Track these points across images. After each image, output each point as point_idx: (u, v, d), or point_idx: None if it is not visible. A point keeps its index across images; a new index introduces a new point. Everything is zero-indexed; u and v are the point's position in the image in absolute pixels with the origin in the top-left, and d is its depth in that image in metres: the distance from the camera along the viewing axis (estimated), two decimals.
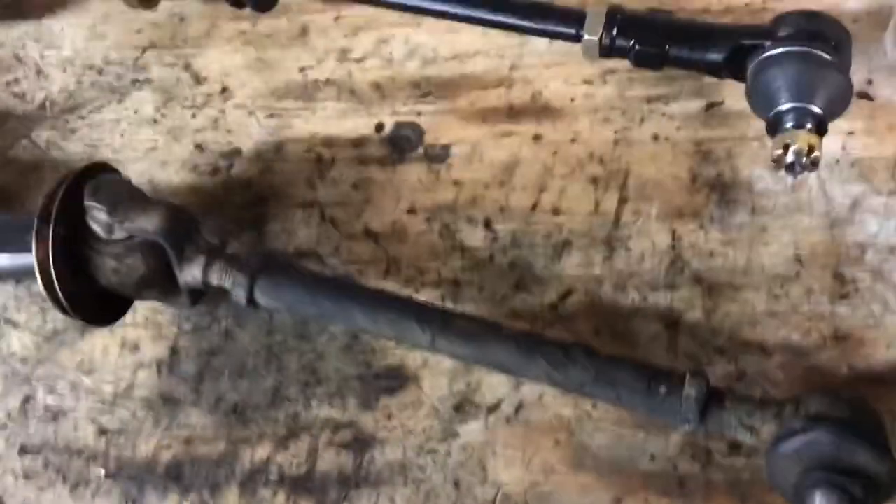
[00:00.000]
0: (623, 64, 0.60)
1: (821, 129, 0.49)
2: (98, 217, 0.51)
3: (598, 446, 0.52)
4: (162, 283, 0.54)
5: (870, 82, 0.58)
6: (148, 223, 0.51)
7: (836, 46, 0.50)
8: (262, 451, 0.56)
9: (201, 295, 0.56)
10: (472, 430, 0.54)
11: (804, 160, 0.48)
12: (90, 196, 0.51)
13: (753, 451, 0.50)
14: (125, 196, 0.52)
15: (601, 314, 0.55)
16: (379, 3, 0.61)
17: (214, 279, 0.53)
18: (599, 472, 0.52)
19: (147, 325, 0.60)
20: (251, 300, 0.52)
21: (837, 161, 0.56)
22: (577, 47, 0.59)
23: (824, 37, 0.50)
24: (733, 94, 0.59)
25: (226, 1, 0.63)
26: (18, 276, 0.57)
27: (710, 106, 0.60)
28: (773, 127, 0.50)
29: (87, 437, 0.58)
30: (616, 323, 0.55)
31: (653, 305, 0.55)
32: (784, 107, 0.49)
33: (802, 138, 0.48)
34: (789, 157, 0.49)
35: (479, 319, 0.51)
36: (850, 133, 0.57)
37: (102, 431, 0.58)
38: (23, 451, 0.59)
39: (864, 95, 0.58)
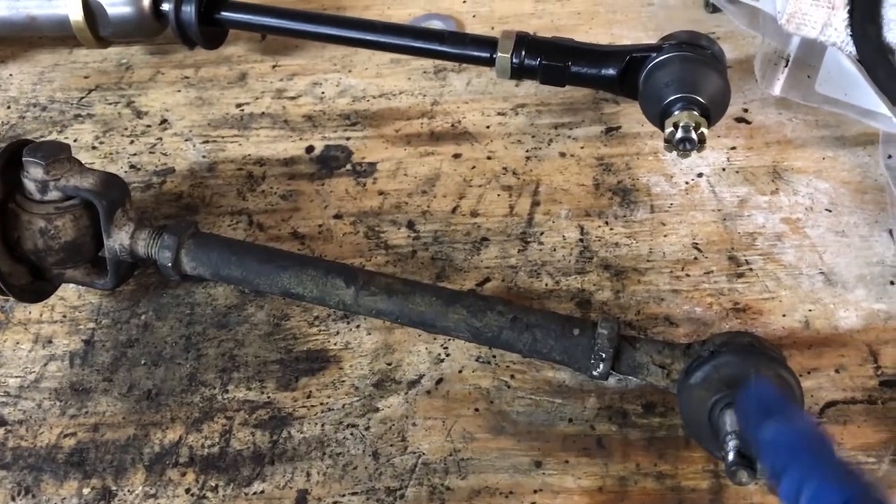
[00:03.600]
0: (532, 99, 0.68)
1: (706, 115, 0.55)
2: (34, 174, 0.52)
3: (518, 413, 0.52)
4: (87, 255, 0.55)
5: (746, 110, 0.67)
6: (83, 182, 0.53)
7: (714, 55, 0.59)
8: (172, 434, 0.53)
9: (125, 273, 0.56)
10: (392, 405, 0.53)
11: (692, 136, 0.54)
12: (29, 153, 0.53)
13: (668, 409, 0.51)
14: (64, 158, 0.53)
15: (518, 297, 0.58)
16: (311, 35, 0.67)
17: (140, 247, 0.54)
18: (519, 437, 0.51)
19: (64, 320, 0.59)
20: (177, 265, 0.53)
21: (724, 169, 0.63)
22: (490, 87, 0.67)
23: (703, 47, 0.59)
24: (629, 120, 0.67)
25: (178, 40, 0.68)
26: None
27: (609, 130, 0.66)
28: (664, 116, 0.56)
29: None
30: (532, 304, 0.57)
31: (565, 288, 0.58)
32: (672, 97, 0.56)
33: (689, 116, 0.54)
34: (679, 134, 0.54)
35: (402, 278, 0.53)
36: (733, 148, 0.64)
37: (2, 423, 0.55)
38: None
39: (742, 120, 0.66)
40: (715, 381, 0.46)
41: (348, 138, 0.68)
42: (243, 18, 0.68)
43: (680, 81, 0.57)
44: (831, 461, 0.37)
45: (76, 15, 0.68)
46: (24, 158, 0.53)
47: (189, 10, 0.66)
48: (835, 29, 0.56)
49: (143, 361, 0.57)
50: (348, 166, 0.66)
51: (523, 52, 0.62)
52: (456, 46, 0.64)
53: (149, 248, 0.54)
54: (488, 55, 0.63)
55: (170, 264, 0.53)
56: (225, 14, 0.68)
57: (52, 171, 0.53)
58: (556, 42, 0.62)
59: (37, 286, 0.57)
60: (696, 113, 0.55)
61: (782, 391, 0.44)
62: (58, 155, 0.53)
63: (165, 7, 0.68)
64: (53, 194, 0.53)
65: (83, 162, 0.56)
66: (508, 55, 0.62)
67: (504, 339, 0.51)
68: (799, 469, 0.37)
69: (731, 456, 0.43)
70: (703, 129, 0.55)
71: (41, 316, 0.59)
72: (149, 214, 0.62)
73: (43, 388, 0.56)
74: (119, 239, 0.54)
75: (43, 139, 0.56)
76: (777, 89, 0.66)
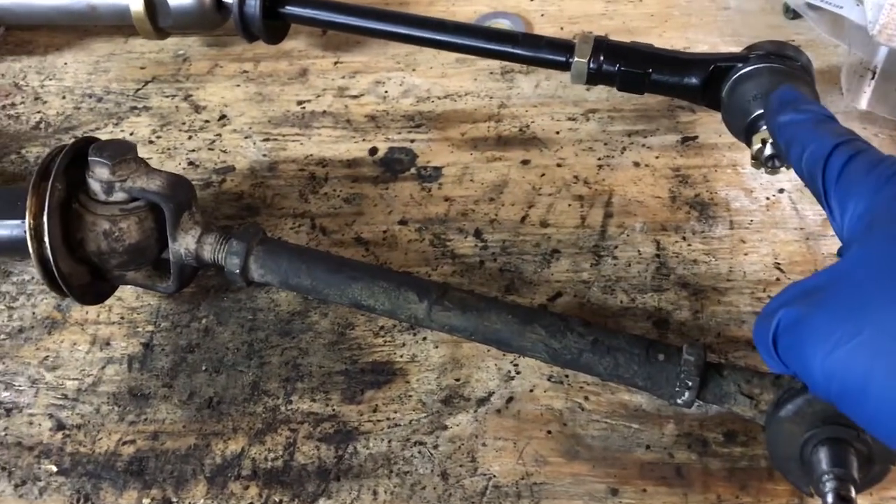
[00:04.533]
0: (604, 104, 0.65)
1: None
2: (99, 174, 0.51)
3: (592, 437, 0.50)
4: (151, 258, 0.53)
5: None
6: (150, 184, 0.51)
7: (803, 67, 0.56)
8: (234, 445, 0.52)
9: (188, 277, 0.55)
10: (461, 423, 0.52)
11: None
12: (95, 153, 0.51)
13: (750, 438, 0.49)
14: (130, 158, 0.52)
15: (591, 314, 0.56)
16: (380, 33, 0.65)
17: (207, 252, 0.52)
18: (594, 462, 0.49)
19: (122, 322, 0.58)
20: (244, 272, 0.52)
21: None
22: (560, 90, 0.64)
23: (792, 58, 0.56)
24: (706, 130, 0.64)
25: (240, 34, 0.66)
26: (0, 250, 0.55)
27: (686, 139, 0.64)
28: (750, 131, 0.54)
29: (42, 432, 0.54)
30: (606, 321, 0.55)
31: (641, 306, 0.56)
32: (760, 112, 0.54)
33: None
34: (768, 150, 0.52)
35: (475, 293, 0.51)
36: None
37: (60, 427, 0.54)
38: None
39: None
40: (808, 415, 0.44)
41: (412, 140, 0.66)
42: (308, 13, 0.66)
43: (768, 93, 0.54)
44: (829, 129, 0.44)
45: (137, 5, 0.66)
46: (90, 158, 0.51)
47: (254, 4, 0.64)
48: None
49: (203, 368, 0.55)
50: (413, 170, 0.64)
51: (601, 58, 0.59)
52: (530, 49, 0.62)
53: (216, 254, 0.52)
54: (564, 59, 0.61)
55: (238, 271, 0.51)
56: (289, 9, 0.66)
57: (118, 172, 0.51)
58: (636, 48, 0.60)
59: (96, 287, 0.56)
60: None
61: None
62: (124, 155, 0.52)
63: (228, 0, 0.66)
64: (119, 195, 0.52)
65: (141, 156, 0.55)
66: (586, 60, 0.59)
67: (583, 362, 0.48)
68: (802, 136, 0.44)
69: (830, 498, 0.41)
70: None
71: (98, 317, 0.58)
72: (209, 215, 0.60)
73: (101, 392, 0.55)
74: (185, 243, 0.52)
75: (110, 138, 0.54)
76: (863, 103, 0.63)
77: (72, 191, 0.52)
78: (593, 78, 0.60)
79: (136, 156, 0.53)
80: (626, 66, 0.59)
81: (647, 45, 0.60)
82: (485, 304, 0.50)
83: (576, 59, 0.60)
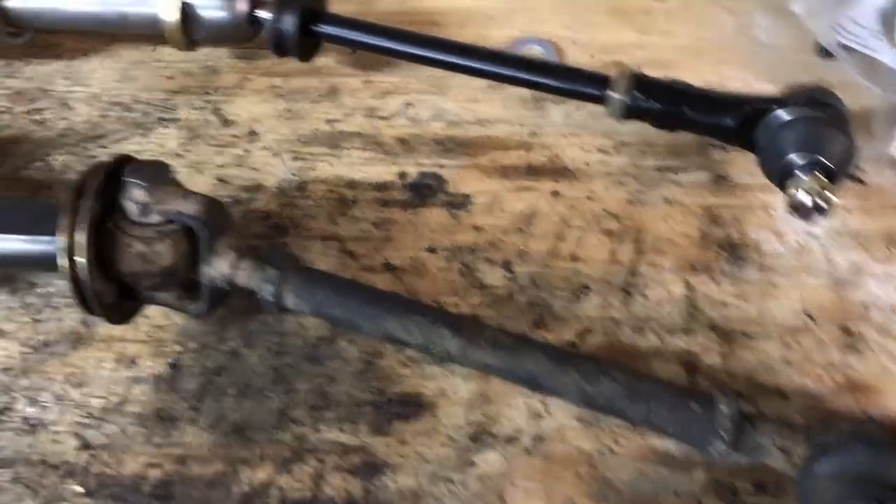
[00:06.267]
0: (635, 137, 0.65)
1: (831, 179, 0.53)
2: (135, 195, 0.51)
3: (622, 481, 0.51)
4: (183, 279, 0.53)
5: (861, 170, 0.64)
6: (186, 207, 0.51)
7: (841, 113, 0.56)
8: (262, 474, 0.52)
9: (219, 301, 0.54)
10: (489, 461, 0.52)
11: (819, 202, 0.52)
12: (131, 173, 0.51)
13: (780, 490, 0.50)
14: (166, 179, 0.51)
15: (620, 353, 0.56)
16: (416, 58, 0.65)
17: (241, 277, 0.52)
18: None
19: (149, 340, 0.58)
20: (279, 300, 0.51)
21: (837, 232, 0.61)
22: (591, 121, 0.64)
23: (828, 104, 0.56)
24: (738, 169, 0.64)
25: (272, 50, 0.66)
26: (27, 264, 0.55)
27: (717, 178, 0.64)
28: (785, 174, 0.54)
29: (67, 451, 0.54)
30: (635, 363, 0.55)
31: (670, 348, 0.56)
32: (796, 158, 0.54)
33: (815, 180, 0.52)
34: (802, 197, 0.52)
35: (509, 332, 0.51)
36: (848, 211, 0.62)
37: (85, 446, 0.54)
38: None
39: (858, 180, 0.63)
40: (842, 475, 0.44)
41: (442, 166, 0.66)
42: (342, 33, 0.66)
43: (805, 141, 0.54)
44: None
45: (171, 16, 0.66)
46: (125, 179, 0.51)
47: (290, 21, 0.64)
48: None
49: (231, 391, 0.55)
50: (442, 196, 0.64)
51: (638, 94, 0.59)
52: (566, 81, 0.62)
53: (249, 280, 0.52)
54: (600, 93, 0.61)
55: (272, 299, 0.51)
56: (323, 27, 0.66)
57: (154, 195, 0.51)
58: (674, 86, 0.60)
59: (124, 306, 0.55)
60: (822, 177, 0.53)
61: None
62: (161, 177, 0.51)
63: (263, 15, 0.66)
64: (154, 217, 0.51)
65: None
66: (622, 96, 0.59)
67: (616, 407, 0.49)
68: None
69: None
70: (830, 195, 0.52)
71: (124, 334, 0.58)
72: (242, 238, 0.60)
73: (127, 412, 0.55)
74: (219, 268, 0.52)
75: (146, 159, 0.53)
76: (895, 149, 0.63)
77: (105, 209, 0.52)
78: (629, 113, 0.60)
79: (172, 177, 0.52)
80: (663, 104, 0.59)
81: (683, 83, 0.60)
82: (518, 343, 0.50)
83: (612, 93, 0.60)
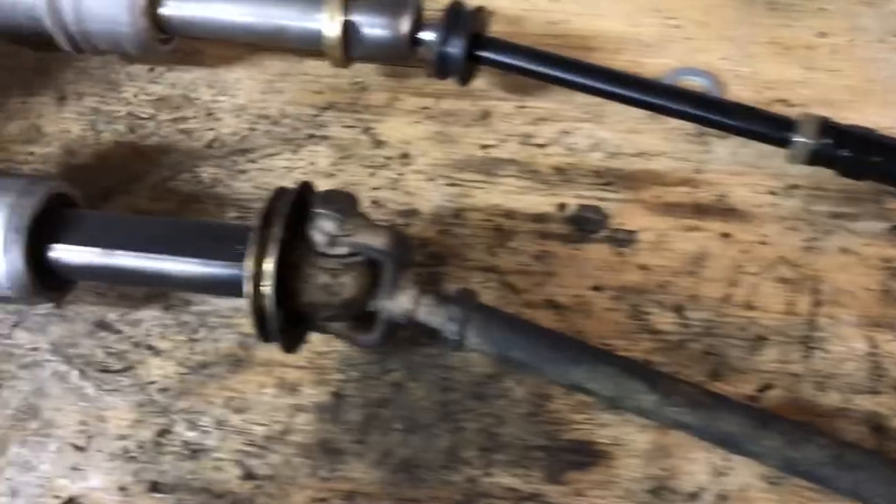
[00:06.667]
0: (806, 180, 0.63)
1: None
2: (324, 227, 0.49)
3: None
4: (356, 311, 0.52)
5: None
6: (374, 240, 0.49)
7: None
8: None
9: (392, 334, 0.53)
10: None
11: None
12: (321, 203, 0.49)
13: None
14: (354, 210, 0.50)
15: (803, 411, 0.53)
16: (585, 88, 0.63)
17: (423, 313, 0.50)
18: None
19: (310, 367, 0.56)
20: (462, 338, 0.50)
21: None
22: (759, 160, 0.62)
23: None
24: None
25: (434, 75, 0.64)
26: (204, 288, 0.54)
27: (895, 229, 0.61)
28: None
29: (231, 480, 0.53)
30: (820, 422, 0.53)
31: (855, 408, 0.53)
32: None
33: None
34: None
35: (703, 389, 0.49)
36: None
37: (250, 476, 0.53)
38: (154, 488, 0.53)
39: None
40: None
41: (603, 199, 0.64)
42: (505, 59, 0.64)
43: None
44: None
45: (333, 31, 0.64)
46: (315, 210, 0.49)
47: (458, 45, 0.62)
48: None
49: (396, 425, 0.54)
50: (604, 231, 0.62)
51: (827, 140, 0.57)
52: (745, 121, 0.59)
53: (431, 317, 0.50)
54: (782, 137, 0.58)
55: (456, 338, 0.50)
56: (486, 53, 0.64)
57: (345, 227, 0.49)
58: (866, 135, 0.57)
59: (293, 333, 0.54)
60: None
61: None
62: (350, 208, 0.50)
63: (427, 37, 0.64)
64: (340, 249, 0.50)
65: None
66: (810, 141, 0.57)
67: (821, 475, 0.46)
68: None
69: None
70: None
71: (285, 359, 0.57)
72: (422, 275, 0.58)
73: (290, 442, 0.54)
74: (401, 303, 0.50)
75: (332, 188, 0.52)
76: None
77: (289, 238, 0.51)
78: (814, 159, 0.58)
79: (359, 209, 0.51)
80: (854, 152, 0.56)
81: (872, 132, 0.58)
82: (715, 401, 0.48)
83: (799, 138, 0.57)
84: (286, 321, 0.52)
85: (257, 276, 0.49)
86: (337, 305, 0.51)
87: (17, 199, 0.52)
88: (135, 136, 0.70)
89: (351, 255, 0.50)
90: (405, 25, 0.64)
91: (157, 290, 0.60)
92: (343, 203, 0.50)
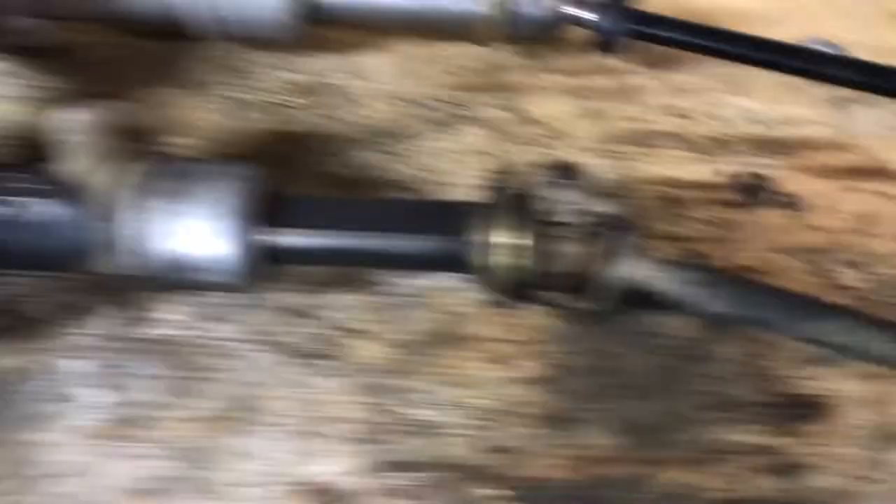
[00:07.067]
0: None
1: None
2: (561, 196, 0.50)
3: None
4: (580, 280, 0.52)
5: None
6: (608, 208, 0.50)
7: None
8: (674, 475, 0.51)
9: (616, 302, 0.54)
10: None
11: None
12: (565, 175, 0.50)
13: None
14: (583, 182, 0.51)
15: None
16: (747, 59, 0.65)
17: (661, 281, 0.51)
18: None
19: (523, 341, 0.56)
20: (705, 304, 0.51)
21: None
22: None
23: None
24: None
25: (598, 48, 0.65)
26: (430, 265, 0.53)
27: None
28: None
29: (463, 453, 0.52)
30: None
31: None
32: None
33: None
34: None
35: None
36: None
37: (482, 448, 0.52)
38: (392, 467, 0.52)
39: None
40: None
41: (764, 166, 0.66)
42: (664, 34, 0.65)
43: None
44: None
45: (495, 12, 0.64)
46: (563, 181, 0.50)
47: (622, 20, 0.63)
48: None
49: (620, 392, 0.54)
50: (772, 196, 0.64)
51: None
52: None
53: (671, 284, 0.51)
54: None
55: (698, 302, 0.51)
56: (646, 28, 0.65)
57: (580, 195, 0.50)
58: None
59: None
60: None
61: None
62: (588, 181, 0.51)
63: (586, 15, 0.65)
64: (572, 218, 0.50)
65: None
66: None
67: None
68: None
69: None
70: None
71: (496, 334, 0.57)
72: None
73: (518, 414, 0.54)
74: (637, 270, 0.51)
75: (560, 161, 0.52)
76: None
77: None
78: None
79: (586, 179, 0.52)
80: None
81: None
82: None
83: None
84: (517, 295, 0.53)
85: (492, 249, 0.49)
86: (566, 275, 0.51)
87: (239, 184, 0.50)
88: (276, 122, 0.68)
89: (580, 225, 0.51)
90: (568, 3, 0.65)
91: (347, 273, 0.59)
92: (575, 175, 0.51)
